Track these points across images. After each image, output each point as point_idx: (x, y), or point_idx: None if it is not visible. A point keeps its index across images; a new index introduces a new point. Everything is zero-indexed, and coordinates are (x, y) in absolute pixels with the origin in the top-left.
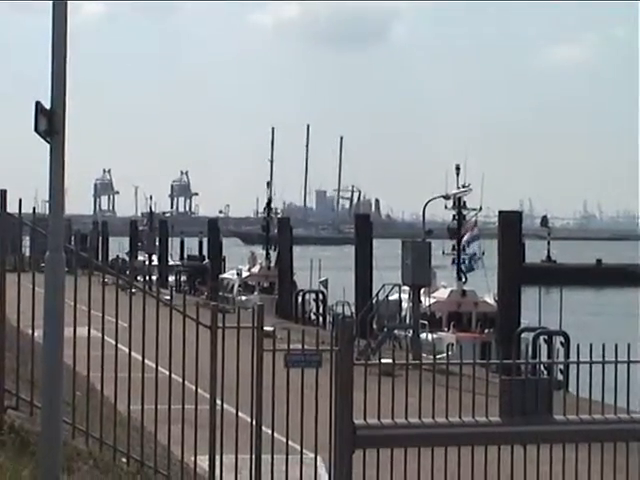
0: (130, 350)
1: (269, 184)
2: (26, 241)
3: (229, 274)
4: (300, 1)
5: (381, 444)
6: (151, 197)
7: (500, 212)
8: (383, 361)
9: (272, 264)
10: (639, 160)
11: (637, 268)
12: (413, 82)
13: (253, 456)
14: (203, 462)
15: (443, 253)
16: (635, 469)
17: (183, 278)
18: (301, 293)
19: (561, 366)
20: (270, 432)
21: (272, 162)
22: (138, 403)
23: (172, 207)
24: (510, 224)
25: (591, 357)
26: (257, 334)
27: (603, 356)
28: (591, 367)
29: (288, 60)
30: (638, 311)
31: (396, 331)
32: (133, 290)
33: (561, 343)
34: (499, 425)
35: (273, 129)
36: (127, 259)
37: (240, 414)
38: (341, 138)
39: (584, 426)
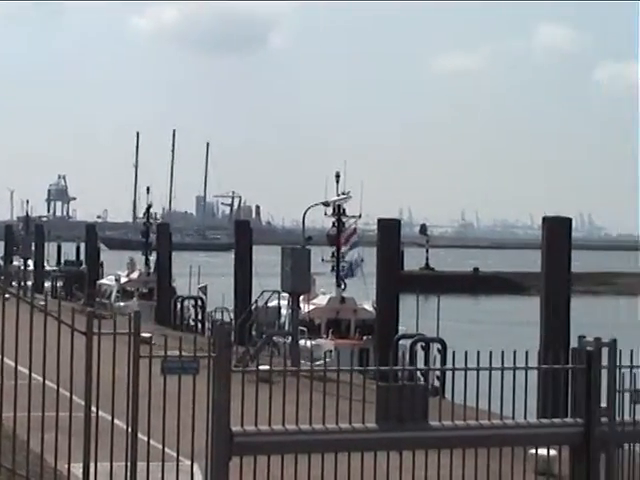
0: (2, 356)
1: (148, 189)
2: None
3: (107, 280)
4: (180, 5)
5: (258, 451)
6: (27, 201)
7: (379, 220)
8: (261, 368)
9: (151, 270)
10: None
11: (513, 276)
12: (292, 89)
13: (128, 463)
14: (77, 470)
15: (322, 260)
16: (508, 474)
17: (59, 284)
18: (180, 299)
19: (438, 373)
20: (146, 439)
21: (137, 167)
22: (10, 410)
23: (49, 211)
24: (389, 232)
25: (466, 364)
26: (134, 340)
27: (478, 363)
28: (466, 374)
29: (165, 65)
30: (514, 318)
31: (275, 338)
32: (7, 296)
33: (438, 350)
34: (375, 431)
35: (138, 134)
36: (1, 264)
37: (116, 421)
38: (207, 144)
39: (459, 432)
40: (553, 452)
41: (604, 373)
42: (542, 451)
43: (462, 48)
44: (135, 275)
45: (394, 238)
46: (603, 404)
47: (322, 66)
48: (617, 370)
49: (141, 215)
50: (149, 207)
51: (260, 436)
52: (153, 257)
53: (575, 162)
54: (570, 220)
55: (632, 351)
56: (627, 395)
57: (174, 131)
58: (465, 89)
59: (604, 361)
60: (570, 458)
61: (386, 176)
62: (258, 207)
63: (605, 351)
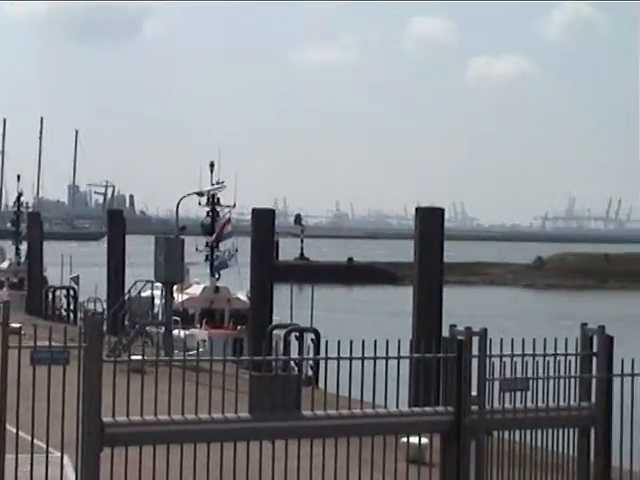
0: None
1: (19, 177)
2: None
3: None
4: None
5: (130, 441)
6: None
7: (253, 209)
8: (133, 358)
9: (22, 259)
10: (391, 161)
11: (387, 266)
12: (167, 77)
13: None
14: None
15: (197, 249)
16: (380, 462)
17: None
18: (51, 289)
19: (311, 362)
20: (15, 430)
21: (3, 155)
22: None
23: None
24: (263, 221)
25: (339, 353)
26: (2, 331)
27: (350, 352)
28: (339, 363)
29: (37, 52)
30: (388, 308)
31: (148, 328)
32: None
33: (312, 340)
34: (248, 421)
35: (5, 121)
36: None
37: None
38: (76, 132)
39: (331, 421)
40: (424, 440)
41: (475, 362)
42: (414, 439)
43: (331, 40)
44: (5, 265)
45: (268, 228)
46: (474, 393)
47: (196, 55)
48: (487, 359)
49: (11, 204)
50: (20, 195)
51: (132, 427)
52: (23, 246)
53: (447, 153)
54: (442, 210)
55: (502, 340)
56: (497, 384)
57: (42, 119)
58: (338, 80)
59: (475, 350)
60: (441, 446)
61: (261, 166)
62: (132, 196)
63: (476, 340)
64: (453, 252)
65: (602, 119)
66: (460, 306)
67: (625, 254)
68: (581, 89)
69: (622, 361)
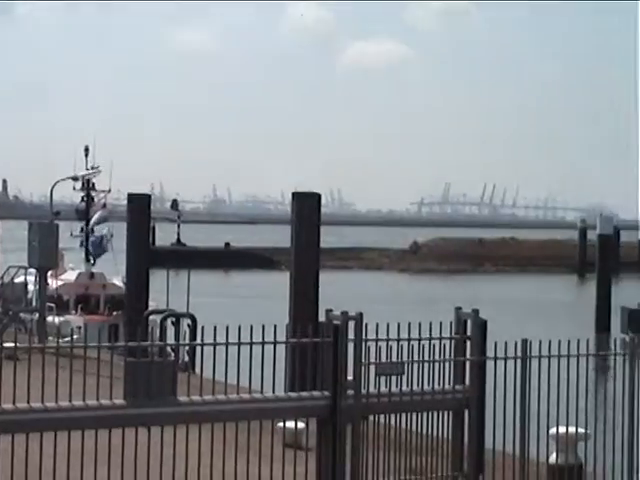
0: None
1: None
2: None
3: None
4: None
5: (1, 430)
6: None
7: (129, 195)
8: (5, 345)
9: None
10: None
11: (264, 251)
12: (40, 58)
13: None
14: None
15: (71, 235)
16: (256, 447)
17: None
18: None
19: (187, 348)
20: None
21: None
22: None
23: None
24: (139, 207)
25: (215, 339)
26: None
27: (227, 338)
28: (215, 349)
29: None
30: (265, 293)
31: (22, 314)
32: None
33: (188, 325)
34: (123, 407)
35: None
36: None
37: None
38: None
39: (207, 407)
40: (301, 424)
41: (351, 346)
42: (290, 424)
43: (202, 22)
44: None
45: (144, 213)
46: (350, 377)
47: (70, 36)
48: (363, 343)
49: None
50: None
51: (4, 415)
52: None
53: (323, 139)
54: (319, 196)
55: (377, 325)
56: (372, 368)
57: None
58: (212, 62)
59: (351, 334)
60: (317, 430)
61: (138, 151)
62: (5, 181)
63: (352, 325)
64: (330, 237)
65: (476, 105)
66: (337, 291)
67: (499, 239)
68: (456, 74)
69: (495, 344)
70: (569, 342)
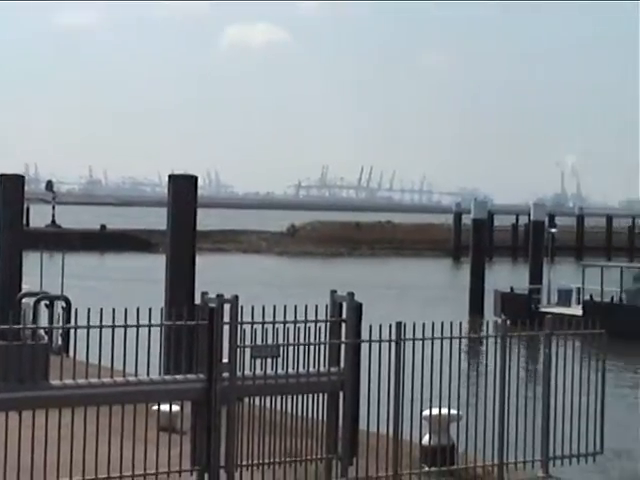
0: None
1: None
2: None
3: None
4: None
5: None
6: None
7: (1, 175)
8: None
9: None
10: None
11: (140, 234)
12: None
13: None
14: None
15: None
16: (130, 430)
17: None
18: None
19: (61, 331)
20: None
21: None
22: None
23: None
24: (12, 188)
25: (89, 322)
26: None
27: (101, 320)
28: (89, 332)
29: None
30: (141, 276)
31: None
32: None
33: (62, 308)
34: None
35: None
36: None
37: None
38: None
39: (81, 390)
40: (176, 407)
41: (226, 329)
42: (165, 407)
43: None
44: None
45: (18, 194)
46: (225, 360)
47: None
48: (238, 326)
49: None
50: None
51: None
52: None
53: (201, 120)
54: (195, 178)
55: (253, 307)
56: (248, 351)
57: None
58: (95, 44)
59: (226, 317)
60: (192, 413)
61: (12, 132)
62: None
63: (227, 307)
64: (208, 220)
65: (355, 88)
66: (214, 274)
67: (375, 222)
68: (336, 59)
69: (370, 327)
70: (442, 325)
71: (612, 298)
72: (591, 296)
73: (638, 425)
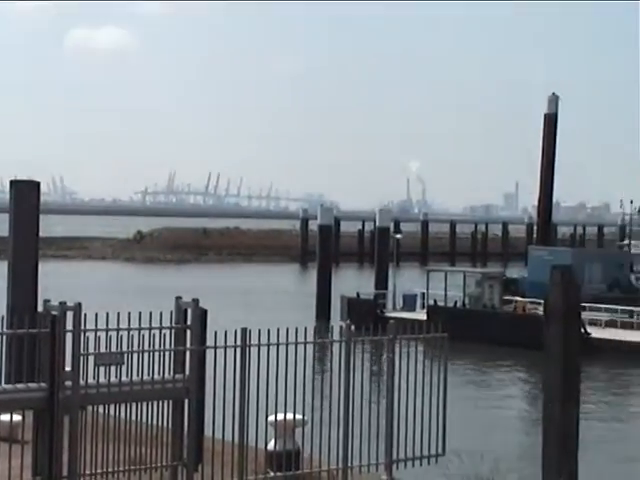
0: None
1: None
2: None
3: None
4: None
5: None
6: None
7: None
8: None
9: None
10: None
11: None
12: None
13: None
14: None
15: None
16: None
17: None
18: None
19: None
20: None
21: None
22: None
23: None
24: None
25: None
26: None
27: None
28: None
29: None
30: None
31: None
32: None
33: None
34: None
35: None
36: None
37: None
38: None
39: None
40: (17, 417)
41: (69, 337)
42: (5, 417)
43: None
44: None
45: None
46: (68, 368)
47: None
48: (82, 334)
49: None
50: None
51: None
52: None
53: (49, 125)
54: (38, 184)
55: (97, 315)
56: (91, 358)
57: None
58: None
59: (70, 325)
60: (34, 423)
61: None
62: None
63: (71, 315)
64: (53, 227)
65: (198, 92)
66: (57, 281)
67: (222, 228)
68: (181, 60)
69: (215, 333)
70: (287, 330)
71: (455, 302)
72: (435, 301)
73: (480, 425)
